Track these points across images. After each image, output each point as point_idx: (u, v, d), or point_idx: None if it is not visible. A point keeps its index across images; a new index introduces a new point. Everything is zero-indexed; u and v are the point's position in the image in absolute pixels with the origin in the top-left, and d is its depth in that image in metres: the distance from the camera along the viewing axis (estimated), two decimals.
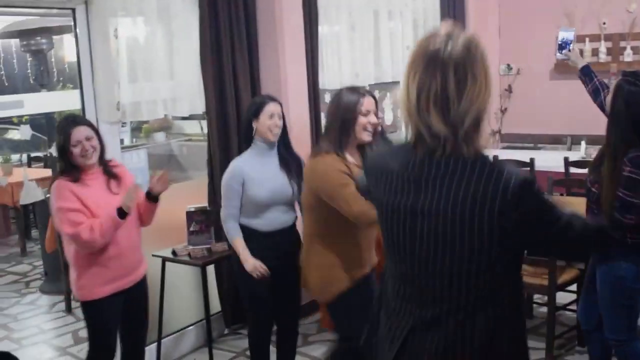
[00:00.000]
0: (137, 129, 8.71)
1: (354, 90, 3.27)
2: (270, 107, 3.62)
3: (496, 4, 7.30)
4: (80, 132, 3.34)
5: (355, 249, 3.31)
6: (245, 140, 3.71)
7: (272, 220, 3.67)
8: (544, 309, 4.56)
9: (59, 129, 3.42)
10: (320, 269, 3.33)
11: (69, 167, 3.36)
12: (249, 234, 3.66)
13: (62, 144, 3.34)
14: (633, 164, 3.07)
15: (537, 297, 4.96)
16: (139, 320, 3.71)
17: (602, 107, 3.73)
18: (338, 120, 3.21)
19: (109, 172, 3.49)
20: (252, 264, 3.59)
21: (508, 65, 7.21)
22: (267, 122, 3.59)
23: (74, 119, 3.47)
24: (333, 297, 3.31)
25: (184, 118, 8.22)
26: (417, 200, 1.78)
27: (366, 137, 3.24)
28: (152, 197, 3.60)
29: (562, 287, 4.27)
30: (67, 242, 3.46)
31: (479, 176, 1.71)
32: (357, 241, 3.31)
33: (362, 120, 3.20)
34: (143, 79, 4.31)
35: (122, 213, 3.32)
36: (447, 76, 1.66)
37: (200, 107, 4.56)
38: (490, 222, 1.70)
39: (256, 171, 3.61)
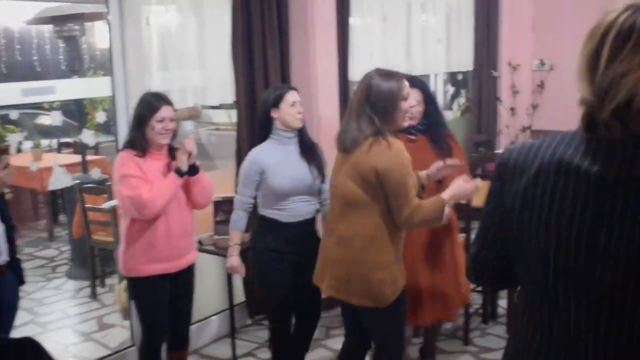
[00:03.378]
0: None
1: (389, 74, 3.13)
2: (292, 95, 3.62)
3: None
4: (168, 111, 3.43)
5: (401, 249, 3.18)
6: (264, 130, 3.67)
7: (293, 211, 3.64)
8: None
9: (144, 102, 3.45)
10: (385, 267, 3.06)
11: (139, 140, 3.40)
12: (270, 225, 3.64)
13: (145, 116, 3.39)
14: None
15: None
16: (184, 308, 3.74)
17: None
18: (381, 106, 3.03)
19: (173, 156, 3.54)
20: (233, 262, 3.68)
21: (541, 60, 7.10)
22: (290, 111, 3.59)
23: (164, 97, 3.51)
24: (395, 296, 3.09)
25: (212, 107, 8.23)
26: (600, 206, 1.37)
27: (406, 123, 3.22)
28: (190, 171, 3.55)
29: None
30: (122, 214, 3.51)
31: None
32: (403, 241, 3.18)
33: (404, 105, 3.11)
34: (174, 67, 4.32)
35: (179, 173, 3.38)
36: (607, 36, 1.36)
37: (230, 96, 4.56)
38: None
39: (277, 160, 3.59)
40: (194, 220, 3.67)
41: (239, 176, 3.73)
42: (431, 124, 3.88)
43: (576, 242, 1.40)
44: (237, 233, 3.70)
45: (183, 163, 3.45)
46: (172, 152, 3.55)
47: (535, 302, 1.52)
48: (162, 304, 3.58)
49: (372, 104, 3.03)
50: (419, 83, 3.90)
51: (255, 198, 3.67)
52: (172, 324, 3.71)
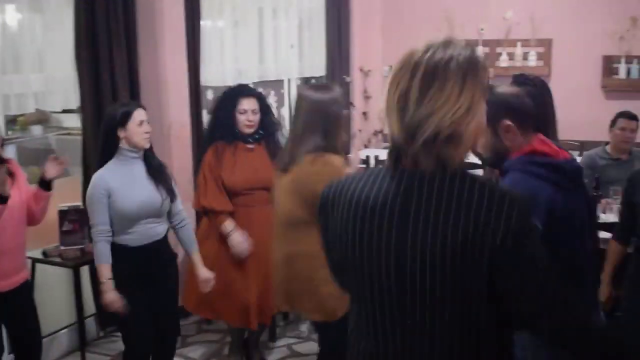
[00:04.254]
0: (12, 121, 8.31)
1: (324, 86, 3.13)
2: (139, 114, 3.41)
3: (380, 6, 7.42)
4: None
5: None
6: (108, 149, 3.43)
7: (143, 234, 3.44)
8: None
9: None
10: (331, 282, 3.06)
11: None
12: (119, 251, 3.41)
13: None
14: None
15: None
16: (27, 326, 3.53)
17: None
18: (333, 117, 2.95)
19: None
20: (111, 298, 3.36)
21: (390, 66, 7.29)
22: (137, 130, 3.38)
23: None
24: (344, 309, 2.85)
25: (63, 111, 7.91)
26: (394, 234, 1.54)
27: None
28: (45, 184, 3.42)
29: None
30: None
31: (468, 199, 1.49)
32: None
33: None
34: (12, 70, 4.11)
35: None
36: (415, 77, 1.50)
37: (74, 101, 4.38)
38: (484, 256, 1.47)
39: (122, 182, 3.38)
40: (25, 235, 3.49)
41: (89, 206, 3.41)
42: (268, 133, 4.07)
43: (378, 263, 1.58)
44: (106, 267, 3.37)
45: (5, 187, 3.19)
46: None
47: (355, 310, 1.73)
48: None
49: (322, 118, 2.94)
50: (255, 92, 4.09)
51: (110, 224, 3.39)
52: (19, 346, 3.54)
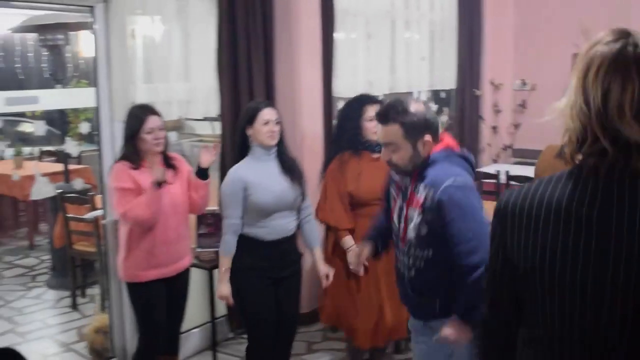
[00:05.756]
0: None
1: None
2: (265, 114, 3.53)
3: (512, 19, 7.27)
4: (155, 121, 3.52)
5: None
6: (241, 147, 3.62)
7: (276, 228, 3.57)
8: None
9: (131, 115, 3.57)
10: None
11: (133, 153, 3.52)
12: (251, 243, 3.55)
13: (134, 129, 3.50)
14: None
15: None
16: (178, 311, 3.84)
17: None
18: None
19: (167, 163, 3.64)
20: (224, 291, 3.55)
21: (523, 80, 7.17)
22: (262, 129, 3.52)
23: (149, 107, 3.61)
24: None
25: (196, 119, 8.25)
26: (607, 239, 1.44)
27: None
28: (202, 173, 3.68)
29: None
30: (120, 222, 3.65)
31: None
32: None
33: None
34: (159, 79, 4.33)
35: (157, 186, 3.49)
36: (627, 89, 1.42)
37: (214, 109, 4.57)
38: None
39: (258, 176, 3.52)
40: (189, 225, 3.78)
41: (223, 199, 3.60)
42: None
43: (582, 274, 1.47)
44: (227, 259, 3.56)
45: (160, 173, 3.49)
46: (167, 160, 3.63)
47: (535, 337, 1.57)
48: (160, 308, 3.68)
49: None
50: (377, 100, 4.05)
51: (242, 218, 3.55)
52: (167, 327, 3.79)
